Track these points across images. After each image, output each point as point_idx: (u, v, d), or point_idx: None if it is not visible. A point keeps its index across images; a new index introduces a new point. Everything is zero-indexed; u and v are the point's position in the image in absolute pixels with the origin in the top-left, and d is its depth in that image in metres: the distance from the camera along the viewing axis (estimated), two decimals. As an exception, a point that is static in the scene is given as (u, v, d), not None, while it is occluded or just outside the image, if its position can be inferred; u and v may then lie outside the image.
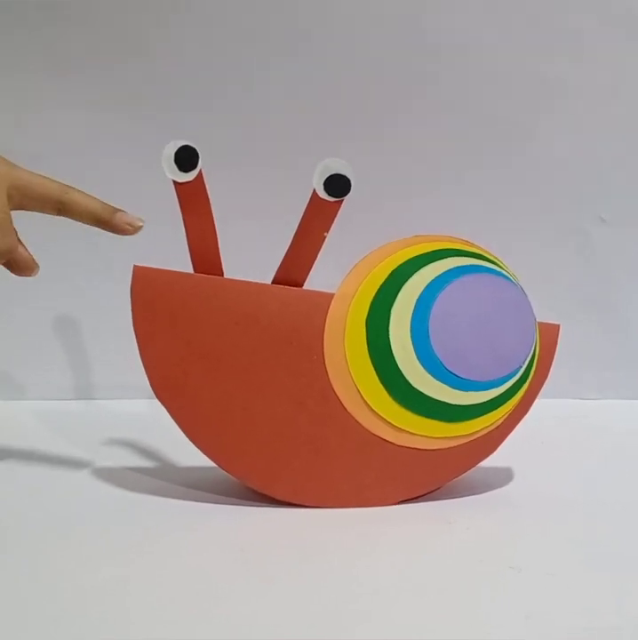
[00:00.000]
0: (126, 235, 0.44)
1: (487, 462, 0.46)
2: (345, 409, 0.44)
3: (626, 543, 0.41)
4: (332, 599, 0.36)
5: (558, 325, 0.47)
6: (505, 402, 0.45)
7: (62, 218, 0.44)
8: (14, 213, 0.43)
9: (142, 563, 0.39)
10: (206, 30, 0.60)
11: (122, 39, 0.60)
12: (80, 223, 0.44)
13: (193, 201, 0.44)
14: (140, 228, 0.44)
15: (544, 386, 0.47)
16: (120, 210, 0.44)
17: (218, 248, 0.44)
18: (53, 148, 0.61)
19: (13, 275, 0.45)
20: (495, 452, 0.46)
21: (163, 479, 0.48)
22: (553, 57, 0.60)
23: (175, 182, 0.43)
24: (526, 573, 0.38)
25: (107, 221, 0.43)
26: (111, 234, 0.44)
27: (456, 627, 0.34)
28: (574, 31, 0.60)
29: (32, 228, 0.44)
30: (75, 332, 0.64)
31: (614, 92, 0.61)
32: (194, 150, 0.43)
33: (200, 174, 0.43)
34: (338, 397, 0.44)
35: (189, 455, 0.44)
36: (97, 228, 0.44)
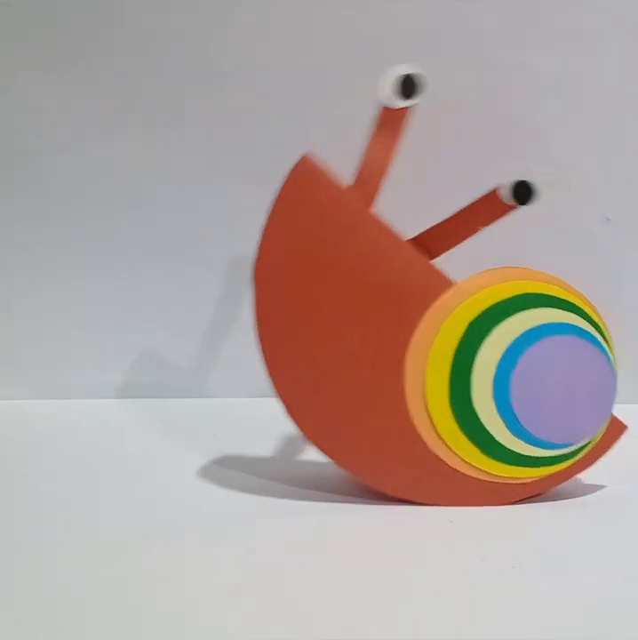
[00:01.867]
0: None
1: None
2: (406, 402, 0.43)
3: (628, 543, 0.41)
4: (331, 598, 0.35)
5: (626, 426, 0.47)
6: (544, 465, 0.44)
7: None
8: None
9: (143, 561, 0.38)
10: (206, 23, 0.60)
11: (122, 36, 0.60)
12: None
13: (392, 127, 0.44)
14: None
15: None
16: None
17: (385, 175, 0.44)
18: (53, 146, 0.61)
19: None
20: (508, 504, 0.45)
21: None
22: (556, 54, 0.60)
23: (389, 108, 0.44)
24: (529, 572, 0.37)
25: None
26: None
27: (457, 627, 0.33)
28: (578, 29, 0.60)
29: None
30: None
31: (620, 89, 0.61)
32: (421, 80, 0.43)
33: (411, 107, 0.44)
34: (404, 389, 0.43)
35: (191, 453, 0.44)
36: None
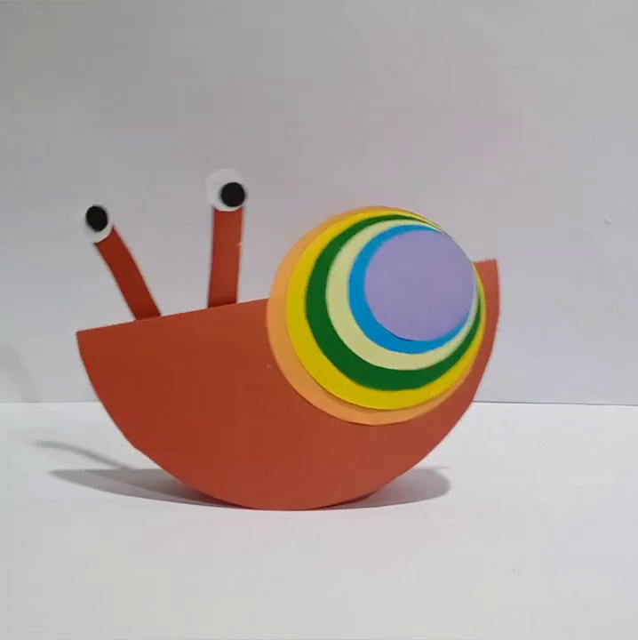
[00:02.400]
0: None
1: (488, 465, 0.45)
2: (313, 407, 0.43)
3: (628, 545, 0.41)
4: (331, 600, 0.35)
5: (495, 261, 0.45)
6: (465, 350, 0.44)
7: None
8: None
9: (142, 564, 0.38)
10: (207, 31, 0.60)
11: (125, 40, 0.60)
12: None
13: (115, 255, 0.44)
14: None
15: (498, 325, 0.45)
16: None
17: (148, 291, 0.45)
18: (54, 148, 0.61)
19: None
20: (468, 408, 0.45)
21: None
22: (555, 55, 0.60)
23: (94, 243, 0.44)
24: (528, 576, 0.37)
25: None
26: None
27: (457, 630, 0.33)
28: (577, 28, 0.60)
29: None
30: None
31: (619, 91, 0.61)
32: (102, 209, 0.44)
33: (113, 230, 0.44)
34: (303, 398, 0.43)
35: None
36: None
